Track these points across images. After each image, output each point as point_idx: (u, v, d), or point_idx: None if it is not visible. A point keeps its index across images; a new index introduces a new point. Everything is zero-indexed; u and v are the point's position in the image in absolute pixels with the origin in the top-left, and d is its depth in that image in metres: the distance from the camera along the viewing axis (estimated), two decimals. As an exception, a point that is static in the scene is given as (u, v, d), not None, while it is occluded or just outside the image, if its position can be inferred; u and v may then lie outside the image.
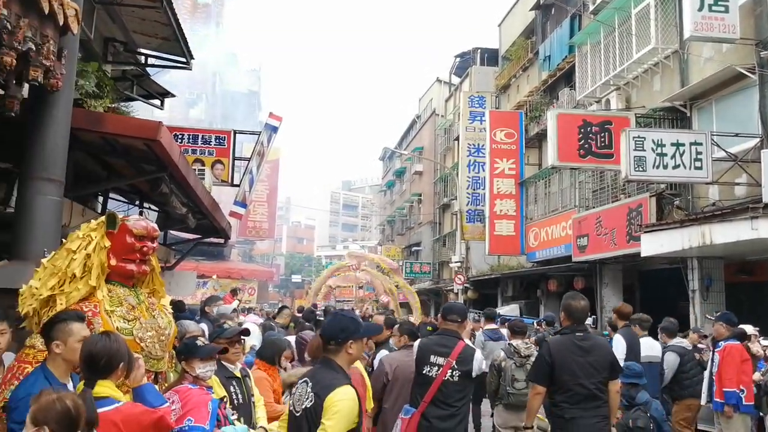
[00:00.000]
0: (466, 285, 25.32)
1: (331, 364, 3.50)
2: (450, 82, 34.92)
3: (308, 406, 3.37)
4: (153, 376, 3.80)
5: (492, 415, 7.69)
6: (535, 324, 14.42)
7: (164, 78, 16.25)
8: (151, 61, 11.72)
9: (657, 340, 8.44)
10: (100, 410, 2.89)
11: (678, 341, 8.31)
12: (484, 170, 22.67)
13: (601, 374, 4.99)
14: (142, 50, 11.26)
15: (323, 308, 14.37)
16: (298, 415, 3.42)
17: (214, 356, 4.17)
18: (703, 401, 7.73)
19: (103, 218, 3.91)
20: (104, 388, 3.05)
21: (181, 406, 3.60)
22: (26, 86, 4.39)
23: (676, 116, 13.34)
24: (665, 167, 10.83)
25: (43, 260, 3.77)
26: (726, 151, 11.25)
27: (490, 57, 28.90)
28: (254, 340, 7.02)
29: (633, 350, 7.64)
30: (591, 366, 4.98)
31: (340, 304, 32.90)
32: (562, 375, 4.97)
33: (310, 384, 3.43)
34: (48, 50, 4.17)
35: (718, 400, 7.29)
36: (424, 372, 5.09)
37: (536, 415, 5.20)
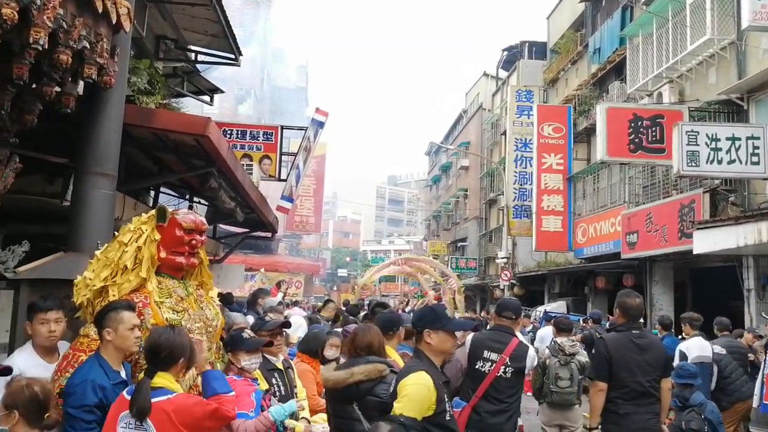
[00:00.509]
0: (512, 281, 25.12)
1: (418, 353, 3.70)
2: (497, 76, 34.58)
3: (391, 391, 3.60)
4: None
5: (537, 413, 7.62)
6: (581, 321, 14.25)
7: (213, 74, 16.50)
8: (200, 57, 11.94)
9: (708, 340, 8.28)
10: (153, 400, 3.02)
11: (723, 341, 8.11)
12: (531, 165, 22.41)
13: (656, 372, 5.04)
14: (192, 47, 11.48)
15: (368, 302, 14.42)
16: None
17: (259, 349, 4.25)
18: (755, 404, 7.51)
19: (153, 212, 3.99)
20: (162, 379, 3.15)
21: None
22: (81, 84, 4.51)
23: (732, 109, 12.92)
24: (720, 162, 10.51)
25: (97, 252, 3.88)
26: (785, 146, 10.83)
27: (538, 50, 28.53)
28: (300, 332, 7.09)
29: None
30: (647, 363, 5.02)
31: (384, 298, 32.97)
32: (619, 371, 5.00)
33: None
34: (102, 48, 4.26)
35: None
36: (476, 367, 5.10)
37: (599, 412, 5.14)
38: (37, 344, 3.70)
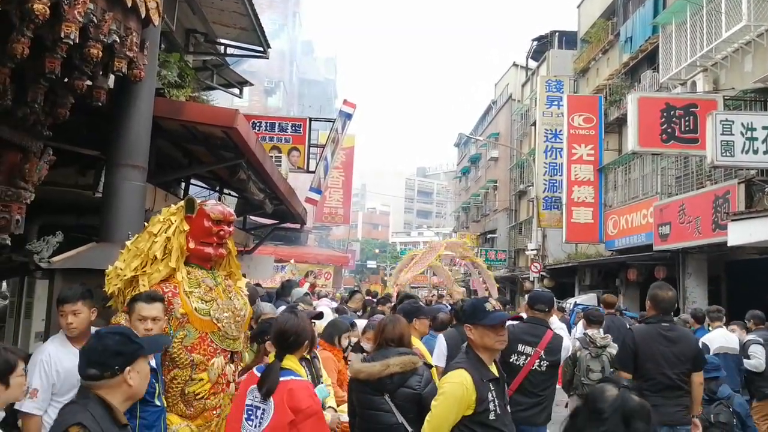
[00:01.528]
0: (542, 273, 24.92)
1: (467, 348, 3.63)
2: (527, 66, 34.26)
3: (422, 383, 3.73)
4: (229, 356, 3.93)
5: (566, 405, 7.57)
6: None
7: (242, 67, 16.62)
8: (229, 50, 12.04)
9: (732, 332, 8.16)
10: (281, 379, 3.34)
11: (760, 334, 7.96)
12: (561, 156, 22.18)
13: (684, 365, 5.00)
14: (221, 40, 11.58)
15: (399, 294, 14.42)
16: None
17: None
18: None
19: (182, 203, 4.05)
20: (290, 362, 3.47)
21: None
22: (111, 77, 4.57)
23: (768, 98, 12.66)
24: (755, 152, 10.29)
25: (127, 242, 3.95)
26: (822, 135, 10.57)
27: (569, 40, 28.18)
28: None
29: (617, 335, 7.39)
30: (675, 356, 5.00)
31: (413, 290, 32.97)
32: (645, 363, 4.99)
33: None
34: (131, 42, 4.31)
35: None
36: (511, 361, 5.05)
37: None
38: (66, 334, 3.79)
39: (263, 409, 3.30)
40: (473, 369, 3.47)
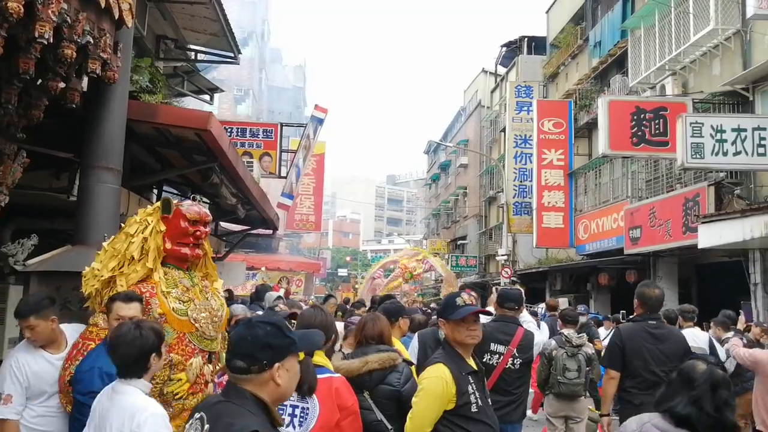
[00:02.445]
0: (513, 278, 25.07)
1: (444, 344, 3.70)
2: (496, 72, 34.53)
3: (402, 380, 3.74)
4: (207, 356, 3.91)
5: (542, 405, 7.62)
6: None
7: (211, 75, 16.54)
8: (200, 56, 11.96)
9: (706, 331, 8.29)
10: (320, 376, 3.23)
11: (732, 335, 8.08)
12: (531, 161, 22.38)
13: (672, 362, 4.99)
14: (192, 46, 11.50)
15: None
16: None
17: None
18: None
19: (158, 204, 4.03)
20: (320, 358, 3.38)
21: None
22: (85, 79, 4.52)
23: (737, 101, 12.86)
24: (725, 154, 10.40)
25: (104, 243, 3.91)
26: (792, 136, 10.75)
27: (538, 45, 28.47)
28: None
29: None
30: (663, 354, 5.06)
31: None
32: (632, 361, 5.04)
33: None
34: (105, 43, 4.28)
35: None
36: (484, 360, 5.04)
37: (611, 400, 5.17)
38: None
39: (304, 408, 3.18)
40: (451, 362, 3.48)
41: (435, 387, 3.38)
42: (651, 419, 2.86)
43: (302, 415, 3.17)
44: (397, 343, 4.82)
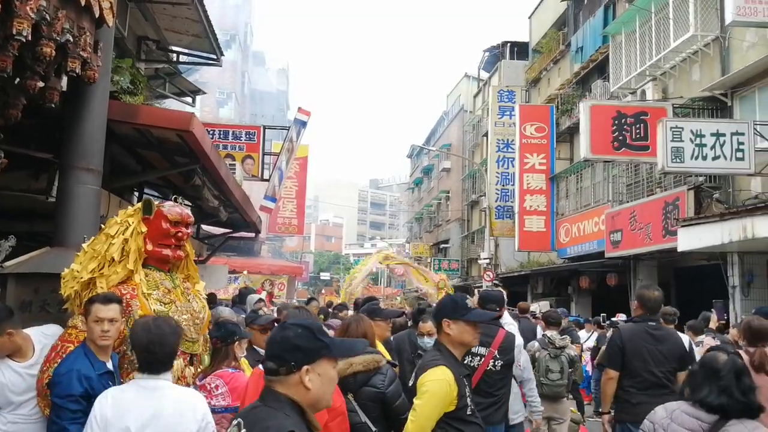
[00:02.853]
0: (495, 282, 25.11)
1: (438, 345, 3.63)
2: (478, 77, 34.69)
3: (411, 383, 3.62)
4: (188, 359, 3.87)
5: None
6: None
7: (194, 77, 16.43)
8: (182, 58, 11.87)
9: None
10: None
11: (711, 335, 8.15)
12: (513, 166, 22.49)
13: (670, 363, 5.14)
14: (174, 48, 11.40)
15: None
16: None
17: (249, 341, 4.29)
18: None
19: (139, 204, 3.98)
20: None
21: (229, 390, 3.79)
22: (65, 79, 4.46)
23: (716, 106, 13.03)
24: (704, 158, 10.55)
25: (84, 245, 3.85)
26: (770, 141, 10.89)
27: (520, 50, 28.65)
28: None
29: (527, 338, 7.52)
30: (662, 355, 5.14)
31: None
32: (632, 361, 5.10)
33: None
34: (85, 42, 4.22)
35: None
36: (465, 362, 5.02)
37: (610, 399, 5.23)
38: None
39: None
40: (451, 365, 3.46)
41: (440, 389, 3.34)
42: (679, 407, 3.08)
43: None
44: (379, 345, 4.80)
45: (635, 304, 5.51)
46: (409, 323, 6.58)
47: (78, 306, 3.67)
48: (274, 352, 2.16)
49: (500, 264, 26.58)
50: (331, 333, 4.69)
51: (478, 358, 5.05)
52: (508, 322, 5.92)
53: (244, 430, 2.05)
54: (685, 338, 8.15)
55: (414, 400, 3.41)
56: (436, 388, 3.35)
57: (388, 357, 5.11)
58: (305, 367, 2.11)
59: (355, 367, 3.69)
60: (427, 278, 18.30)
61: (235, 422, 2.12)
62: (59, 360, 3.38)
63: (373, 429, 3.68)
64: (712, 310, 10.88)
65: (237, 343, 4.07)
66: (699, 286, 14.14)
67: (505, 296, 5.95)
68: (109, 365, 3.45)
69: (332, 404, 3.12)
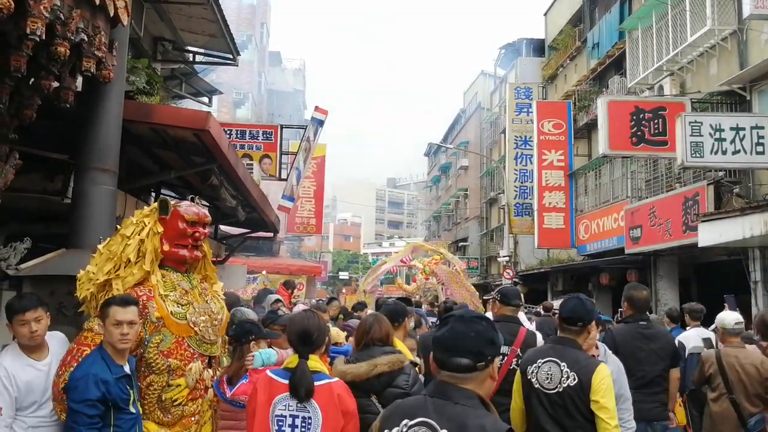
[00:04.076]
0: (514, 279, 24.99)
1: (575, 344, 3.70)
2: (495, 74, 34.53)
3: (571, 384, 3.54)
4: (207, 361, 3.82)
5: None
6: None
7: (210, 78, 16.48)
8: (198, 58, 11.89)
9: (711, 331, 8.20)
10: (317, 383, 3.12)
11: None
12: (531, 162, 22.34)
13: (663, 362, 5.30)
14: (190, 48, 11.42)
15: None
16: (551, 392, 3.62)
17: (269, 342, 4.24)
18: None
19: (155, 204, 3.95)
20: (315, 362, 3.23)
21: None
22: (80, 78, 4.44)
23: (734, 100, 12.81)
24: (724, 153, 10.39)
25: (99, 246, 3.82)
26: (791, 135, 10.69)
27: (536, 47, 28.48)
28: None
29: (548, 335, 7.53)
30: (655, 354, 5.28)
31: (388, 299, 32.70)
32: (625, 360, 5.01)
33: (562, 364, 3.61)
34: (100, 41, 4.20)
35: None
36: None
37: None
38: (22, 344, 3.54)
39: (304, 417, 3.07)
40: None
41: (612, 386, 3.54)
42: None
43: (304, 425, 3.06)
44: (400, 344, 4.75)
45: (625, 305, 5.58)
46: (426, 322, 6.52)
47: (94, 308, 3.64)
48: (470, 347, 2.06)
49: (520, 261, 26.43)
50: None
51: (501, 357, 4.97)
52: (523, 321, 5.90)
53: (445, 430, 1.97)
54: (710, 335, 8.03)
55: (597, 398, 3.47)
56: (610, 384, 3.52)
57: (410, 356, 5.06)
58: (496, 359, 2.11)
59: (380, 368, 3.63)
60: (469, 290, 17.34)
61: (417, 420, 2.03)
62: (75, 364, 3.35)
63: None
64: (725, 304, 10.72)
65: (253, 342, 4.03)
66: (720, 281, 13.94)
67: (520, 294, 5.90)
68: (126, 369, 3.42)
69: (347, 408, 3.09)
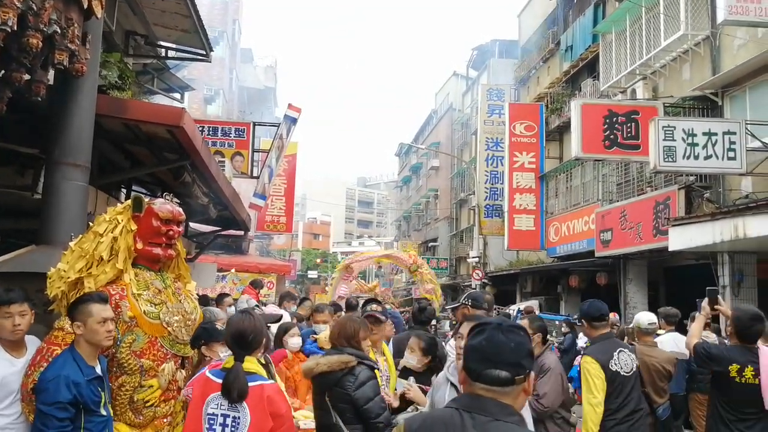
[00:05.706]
0: (484, 280, 25.12)
1: (612, 335, 4.99)
2: (467, 75, 34.70)
3: (635, 368, 4.81)
4: (180, 361, 3.77)
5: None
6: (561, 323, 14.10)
7: (181, 74, 16.24)
8: (171, 53, 11.70)
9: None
10: (250, 384, 3.11)
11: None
12: (502, 164, 22.48)
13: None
14: (162, 43, 11.23)
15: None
16: (628, 374, 4.71)
17: None
18: None
19: (129, 201, 3.87)
20: (251, 364, 3.21)
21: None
22: (51, 72, 4.33)
23: (706, 105, 12.99)
24: (696, 158, 10.51)
25: (71, 243, 3.71)
26: (761, 141, 10.84)
27: (510, 49, 28.67)
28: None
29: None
30: None
31: (360, 300, 32.66)
32: None
33: (628, 352, 4.84)
34: (73, 34, 4.10)
35: None
36: None
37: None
38: (2, 338, 3.43)
39: (234, 417, 3.08)
40: None
41: None
42: None
43: (233, 424, 3.09)
44: (384, 347, 4.76)
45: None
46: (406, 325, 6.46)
47: (64, 307, 3.53)
48: (509, 360, 1.89)
49: (489, 263, 26.57)
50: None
51: None
52: None
53: None
54: (682, 339, 8.09)
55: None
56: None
57: (390, 359, 5.02)
58: (532, 373, 1.97)
59: (320, 367, 3.74)
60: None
61: None
62: (45, 364, 3.25)
63: (345, 429, 3.70)
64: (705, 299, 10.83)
65: (205, 346, 3.93)
66: (688, 285, 14.12)
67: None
68: (98, 370, 3.33)
69: (278, 411, 3.11)
